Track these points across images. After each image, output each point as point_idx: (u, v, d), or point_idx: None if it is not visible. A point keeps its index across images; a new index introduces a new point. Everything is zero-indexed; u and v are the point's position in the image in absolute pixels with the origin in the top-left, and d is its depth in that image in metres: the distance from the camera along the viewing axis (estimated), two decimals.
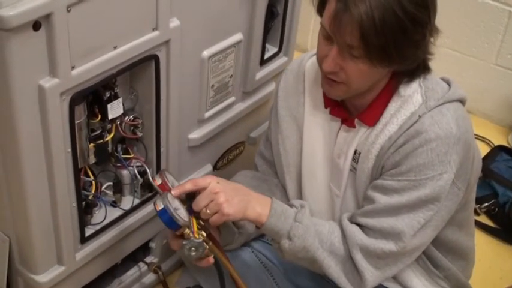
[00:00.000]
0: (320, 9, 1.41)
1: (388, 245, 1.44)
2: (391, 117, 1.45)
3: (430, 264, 1.58)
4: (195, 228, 1.41)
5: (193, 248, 1.40)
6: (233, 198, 1.42)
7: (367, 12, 1.28)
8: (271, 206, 1.46)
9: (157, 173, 1.74)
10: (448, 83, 1.49)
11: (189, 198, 1.46)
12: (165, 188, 1.44)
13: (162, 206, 1.37)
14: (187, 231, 1.39)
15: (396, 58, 1.35)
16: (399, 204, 1.42)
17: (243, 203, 1.43)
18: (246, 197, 1.45)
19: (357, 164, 1.52)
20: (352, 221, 1.50)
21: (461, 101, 1.47)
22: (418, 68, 1.44)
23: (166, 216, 1.37)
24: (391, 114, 1.45)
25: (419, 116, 1.41)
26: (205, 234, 1.43)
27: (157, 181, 1.46)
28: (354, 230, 1.46)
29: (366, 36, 1.30)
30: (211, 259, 1.44)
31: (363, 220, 1.47)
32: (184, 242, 1.40)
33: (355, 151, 1.52)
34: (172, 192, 1.41)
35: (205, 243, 1.41)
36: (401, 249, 1.44)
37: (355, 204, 1.57)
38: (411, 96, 1.44)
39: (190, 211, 1.45)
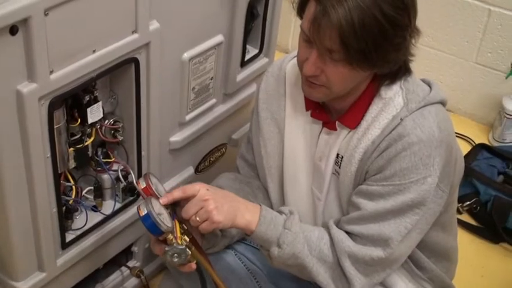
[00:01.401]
0: (300, 12, 1.41)
1: (376, 252, 1.44)
2: (373, 121, 1.44)
3: (413, 266, 1.59)
4: (178, 234, 1.40)
5: (175, 255, 1.39)
6: (223, 205, 1.41)
7: (346, 17, 1.27)
8: (260, 213, 1.45)
9: (139, 176, 1.73)
10: (429, 84, 1.49)
11: (173, 203, 1.45)
12: (149, 191, 1.43)
13: (146, 212, 1.36)
14: (170, 236, 1.38)
15: (377, 61, 1.34)
16: (385, 210, 1.42)
17: (232, 210, 1.43)
18: (235, 204, 1.44)
19: (339, 167, 1.51)
20: (339, 227, 1.50)
21: (442, 103, 1.48)
22: (399, 70, 1.43)
23: (149, 222, 1.36)
24: (372, 117, 1.45)
25: (401, 119, 1.41)
26: (188, 239, 1.42)
27: (141, 184, 1.44)
28: (342, 237, 1.46)
29: (346, 40, 1.29)
30: (193, 265, 1.43)
31: (349, 227, 1.47)
32: (166, 248, 1.39)
33: (338, 155, 1.51)
34: (161, 200, 1.40)
35: (188, 249, 1.40)
36: (389, 255, 1.44)
37: (338, 207, 1.56)
38: (392, 99, 1.44)
39: (174, 215, 1.44)
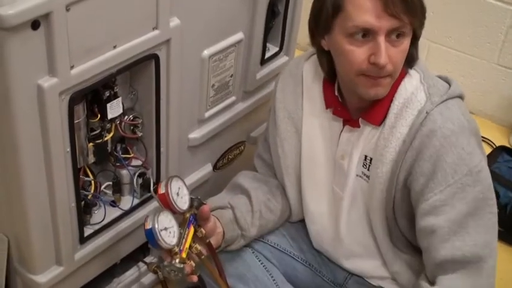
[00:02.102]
0: (328, 26, 1.41)
1: (486, 266, 1.41)
2: (397, 118, 1.44)
3: None
4: (187, 245, 1.42)
5: (172, 271, 1.40)
6: None
7: None
8: None
9: (157, 175, 1.73)
10: (447, 80, 1.49)
11: (198, 206, 1.46)
12: (166, 200, 1.43)
13: (150, 226, 1.37)
14: (175, 249, 1.39)
15: (423, 17, 1.41)
16: (460, 215, 1.39)
17: None
18: None
19: (368, 170, 1.51)
20: (432, 273, 1.44)
21: (461, 98, 1.48)
22: (415, 53, 1.47)
23: (151, 238, 1.37)
24: (395, 113, 1.44)
25: (427, 113, 1.40)
26: (199, 248, 1.44)
27: (161, 189, 1.43)
28: None
29: (412, 6, 1.35)
30: (194, 278, 1.44)
31: (443, 256, 1.41)
32: (165, 263, 1.40)
33: (366, 157, 1.51)
34: None
35: (190, 265, 1.41)
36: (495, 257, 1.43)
37: (365, 213, 1.56)
38: (414, 94, 1.44)
39: (192, 220, 1.44)
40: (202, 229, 1.47)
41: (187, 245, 1.42)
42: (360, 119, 1.49)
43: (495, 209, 1.42)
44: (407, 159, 1.42)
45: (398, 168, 1.44)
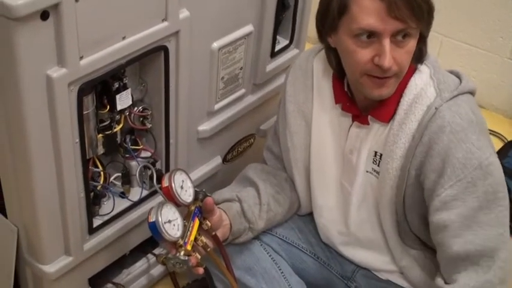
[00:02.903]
0: (334, 26, 1.41)
1: (499, 259, 1.40)
2: (406, 114, 1.43)
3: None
4: (192, 238, 1.42)
5: (177, 263, 1.40)
6: None
7: None
8: None
9: (166, 167, 1.74)
10: (458, 75, 1.49)
11: (203, 198, 1.46)
12: (169, 192, 1.43)
13: (153, 219, 1.37)
14: (180, 242, 1.40)
15: (431, 21, 1.40)
16: (472, 209, 1.39)
17: None
18: None
19: (378, 166, 1.51)
20: (449, 265, 1.44)
21: (472, 93, 1.47)
22: (424, 49, 1.46)
23: (155, 231, 1.37)
24: (404, 109, 1.44)
25: (436, 109, 1.40)
26: (204, 241, 1.44)
27: (165, 182, 1.44)
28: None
29: (418, 7, 1.33)
30: (200, 270, 1.44)
31: (456, 251, 1.40)
32: (169, 256, 1.40)
33: (376, 153, 1.51)
34: None
35: (195, 257, 1.41)
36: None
37: (374, 208, 1.55)
38: (424, 90, 1.43)
39: (197, 213, 1.45)
40: (207, 221, 1.47)
41: (192, 238, 1.42)
42: (369, 117, 1.49)
43: (507, 202, 1.42)
44: (417, 155, 1.42)
45: (409, 164, 1.44)
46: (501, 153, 2.54)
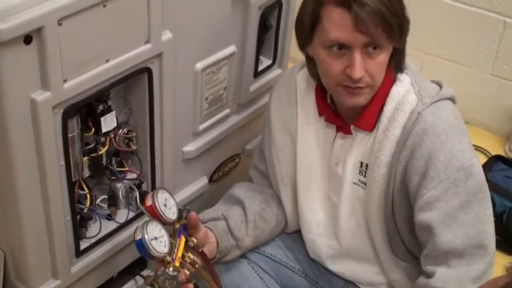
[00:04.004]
0: (307, 41, 1.45)
1: (480, 261, 1.43)
2: (390, 121, 1.46)
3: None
4: (179, 254, 1.42)
5: (167, 280, 1.40)
6: None
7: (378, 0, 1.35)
8: None
9: (152, 188, 1.74)
10: (438, 83, 1.51)
11: (186, 216, 1.47)
12: (153, 211, 1.44)
13: (140, 237, 1.37)
14: (167, 258, 1.40)
15: (404, 32, 1.42)
16: (453, 208, 1.41)
17: None
18: None
19: (364, 176, 1.52)
20: (429, 263, 1.46)
21: (452, 100, 1.49)
22: (402, 57, 1.49)
23: (142, 248, 1.38)
24: (388, 117, 1.46)
25: (418, 113, 1.42)
26: (192, 257, 1.45)
27: (148, 201, 1.45)
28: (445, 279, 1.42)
29: (388, 19, 1.35)
30: (190, 286, 1.44)
31: (436, 250, 1.43)
32: (158, 273, 1.40)
33: (361, 163, 1.52)
34: None
35: (184, 274, 1.41)
36: (492, 248, 1.45)
37: (363, 220, 1.56)
38: (406, 97, 1.46)
39: (182, 231, 1.45)
40: (193, 238, 1.47)
41: (179, 254, 1.42)
42: (352, 126, 1.51)
43: (488, 203, 1.44)
44: (401, 160, 1.44)
45: (394, 169, 1.45)
46: (485, 168, 2.55)
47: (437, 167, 1.40)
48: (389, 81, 1.48)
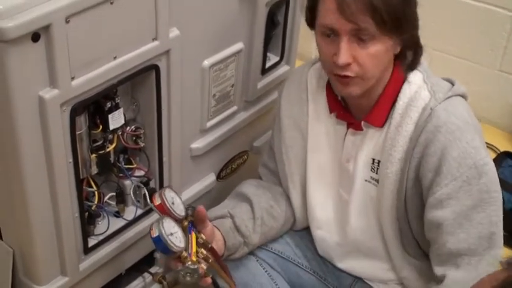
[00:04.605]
0: (312, 21, 1.44)
1: (488, 255, 1.41)
2: (402, 117, 1.45)
3: None
4: (194, 249, 1.42)
5: (188, 274, 1.40)
6: None
7: None
8: None
9: (160, 185, 1.74)
10: (450, 81, 1.51)
11: (193, 212, 1.47)
12: (163, 209, 1.44)
13: (157, 233, 1.37)
14: (184, 254, 1.40)
15: (404, 25, 1.38)
16: (466, 207, 1.40)
17: None
18: None
19: (376, 173, 1.52)
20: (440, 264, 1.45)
21: (464, 97, 1.49)
22: (417, 53, 1.47)
23: (161, 244, 1.38)
24: (400, 113, 1.46)
25: (431, 109, 1.42)
26: (204, 253, 1.44)
27: (156, 201, 1.45)
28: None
29: (376, 8, 1.33)
30: (208, 279, 1.45)
31: (448, 249, 1.42)
32: (179, 268, 1.40)
33: (373, 160, 1.52)
34: None
35: (201, 268, 1.41)
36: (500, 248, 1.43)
37: (374, 217, 1.56)
38: (418, 92, 1.45)
39: (191, 228, 1.45)
40: (202, 235, 1.47)
41: (194, 249, 1.42)
42: (363, 122, 1.51)
43: (500, 203, 1.43)
44: (415, 156, 1.44)
45: (407, 166, 1.45)
46: (494, 164, 2.55)
47: (450, 164, 1.39)
48: (400, 77, 1.47)
